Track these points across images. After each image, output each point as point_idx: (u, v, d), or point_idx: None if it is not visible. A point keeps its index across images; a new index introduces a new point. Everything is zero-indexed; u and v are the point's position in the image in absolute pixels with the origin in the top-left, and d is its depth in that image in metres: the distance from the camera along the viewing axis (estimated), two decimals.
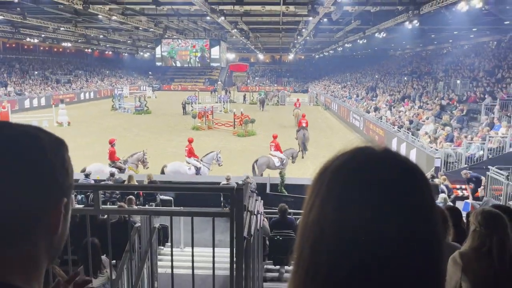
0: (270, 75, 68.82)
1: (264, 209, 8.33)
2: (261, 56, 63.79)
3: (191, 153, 14.63)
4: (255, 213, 4.31)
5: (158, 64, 40.06)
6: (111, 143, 14.26)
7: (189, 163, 14.26)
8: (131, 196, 7.81)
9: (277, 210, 7.54)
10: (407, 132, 17.11)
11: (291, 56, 60.81)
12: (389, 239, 0.62)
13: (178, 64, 41.60)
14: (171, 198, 10.57)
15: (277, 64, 71.02)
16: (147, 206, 9.85)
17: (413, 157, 14.75)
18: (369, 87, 34.94)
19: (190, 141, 15.04)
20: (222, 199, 10.18)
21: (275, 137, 16.05)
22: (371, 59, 50.55)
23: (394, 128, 18.98)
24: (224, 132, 24.73)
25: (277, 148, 15.58)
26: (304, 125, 20.51)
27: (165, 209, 7.17)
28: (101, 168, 13.01)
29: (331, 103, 37.61)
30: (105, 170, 12.87)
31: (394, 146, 16.48)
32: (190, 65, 39.67)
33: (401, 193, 0.64)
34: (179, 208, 8.51)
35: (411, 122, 19.12)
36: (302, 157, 17.64)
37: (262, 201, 7.70)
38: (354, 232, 0.63)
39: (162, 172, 13.61)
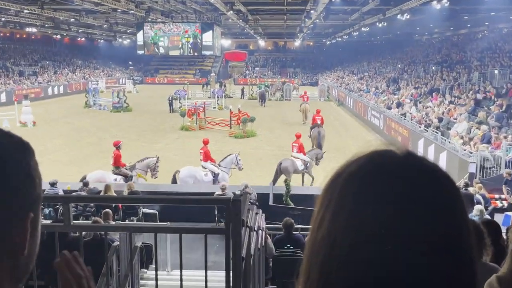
0: (272, 65, 68.82)
1: (267, 224, 8.33)
2: (262, 43, 63.88)
3: (207, 157, 14.63)
4: (256, 229, 4.35)
5: (140, 52, 40.25)
6: (116, 145, 14.30)
7: (205, 168, 14.30)
8: (107, 210, 7.82)
9: (281, 226, 7.55)
10: (436, 132, 17.06)
11: (297, 43, 60.91)
12: (412, 244, 0.63)
13: (162, 51, 41.61)
14: (156, 212, 10.54)
15: (281, 52, 70.82)
16: (127, 222, 9.84)
17: (443, 161, 14.93)
18: (391, 78, 35.21)
19: (206, 142, 15.08)
20: (216, 212, 10.13)
21: (298, 136, 16.22)
22: (392, 46, 50.43)
23: (420, 127, 18.94)
24: (218, 133, 24.49)
25: (301, 149, 15.69)
26: (319, 122, 20.52)
27: (148, 225, 7.19)
28: (103, 176, 13.00)
29: (345, 97, 37.72)
30: (108, 179, 12.94)
31: (420, 149, 16.60)
32: (183, 52, 39.69)
33: (426, 198, 0.65)
34: (165, 223, 8.49)
35: (440, 120, 19.11)
36: (317, 164, 17.82)
37: (263, 214, 7.70)
38: (372, 239, 0.63)
39: (174, 180, 13.62)
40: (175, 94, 34.21)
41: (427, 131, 18.02)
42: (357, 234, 0.64)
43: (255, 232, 4.32)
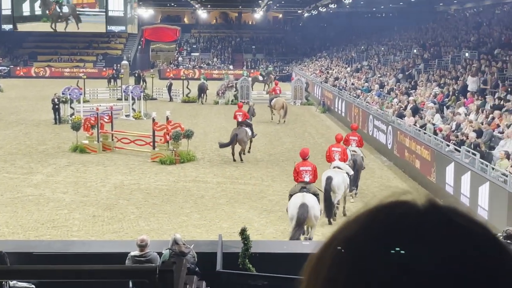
0: (220, 49, 66.19)
1: None
2: (203, 14, 62.97)
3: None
4: None
5: (6, 27, 39.42)
6: (305, 156, 15.79)
7: (342, 170, 17.19)
8: None
9: None
10: (473, 154, 17.24)
11: (258, 14, 59.62)
12: None
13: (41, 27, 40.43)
14: (32, 287, 10.29)
15: (234, 29, 69.03)
16: None
17: (484, 197, 15.08)
18: (402, 70, 35.38)
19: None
20: None
21: (355, 128, 20.54)
22: (405, 20, 50.50)
23: (449, 145, 19.14)
24: (134, 157, 23.96)
25: None
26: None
27: None
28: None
29: (333, 100, 37.50)
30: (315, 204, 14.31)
31: (449, 179, 17.86)
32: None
33: (464, 281, 0.65)
34: None
35: (479, 134, 19.11)
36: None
37: None
38: None
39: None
40: (63, 94, 32.88)
41: (459, 151, 18.37)
42: None
43: None
